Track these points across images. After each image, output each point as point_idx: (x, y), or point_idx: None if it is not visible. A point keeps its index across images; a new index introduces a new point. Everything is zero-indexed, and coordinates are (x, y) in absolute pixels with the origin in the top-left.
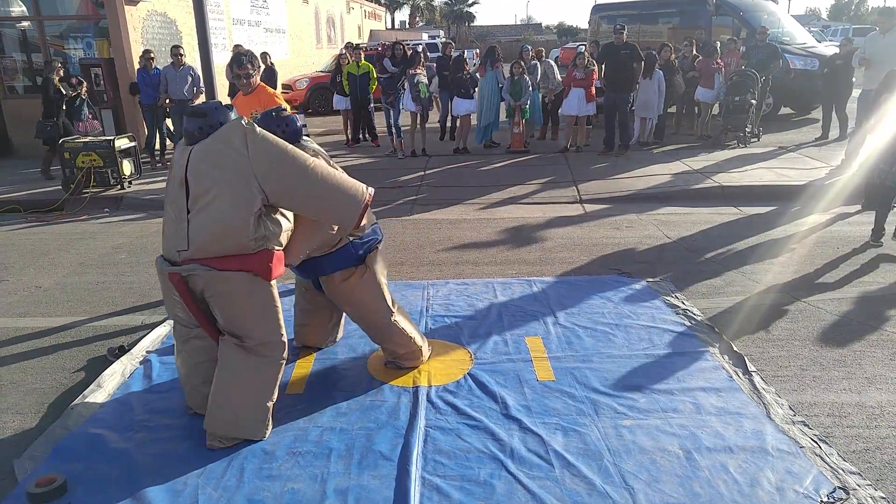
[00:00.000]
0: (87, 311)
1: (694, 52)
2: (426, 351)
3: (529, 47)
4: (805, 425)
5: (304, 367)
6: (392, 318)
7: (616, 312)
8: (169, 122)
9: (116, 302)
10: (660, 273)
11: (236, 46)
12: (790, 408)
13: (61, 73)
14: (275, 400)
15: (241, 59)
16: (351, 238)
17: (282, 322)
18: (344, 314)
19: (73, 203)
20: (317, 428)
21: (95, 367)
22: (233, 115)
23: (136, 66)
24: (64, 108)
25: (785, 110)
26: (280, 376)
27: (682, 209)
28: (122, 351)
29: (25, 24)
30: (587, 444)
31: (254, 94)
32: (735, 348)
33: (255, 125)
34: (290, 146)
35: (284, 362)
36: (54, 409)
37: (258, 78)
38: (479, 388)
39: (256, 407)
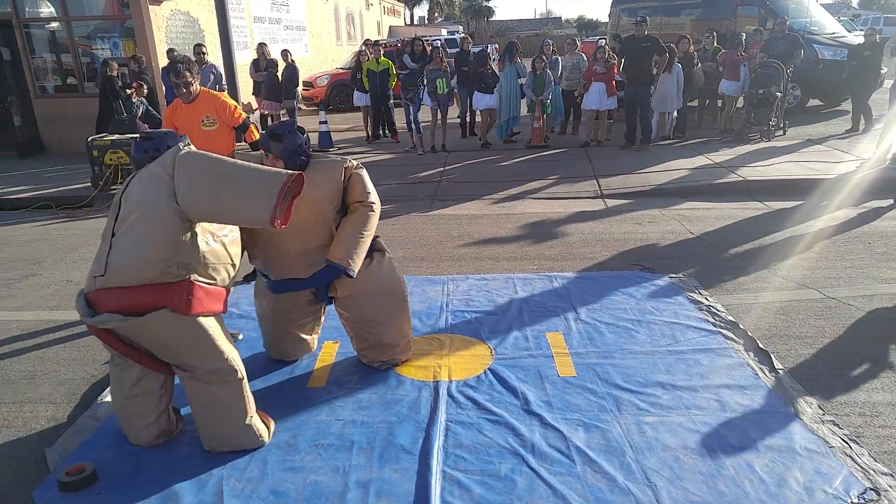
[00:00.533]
0: None
1: (715, 44)
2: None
3: (550, 41)
4: (835, 424)
5: (326, 360)
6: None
7: (638, 308)
8: None
9: None
10: (683, 269)
11: (260, 45)
12: (819, 406)
13: (115, 71)
14: (252, 412)
15: (177, 68)
16: None
17: (223, 346)
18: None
19: (102, 199)
20: (338, 421)
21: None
22: (183, 143)
23: (161, 65)
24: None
25: (813, 102)
26: (245, 390)
27: (706, 204)
28: None
29: (54, 25)
30: (609, 441)
31: (199, 102)
32: (761, 345)
33: (192, 147)
34: (216, 157)
35: (244, 378)
36: (85, 400)
37: (198, 84)
38: (500, 384)
39: (237, 426)
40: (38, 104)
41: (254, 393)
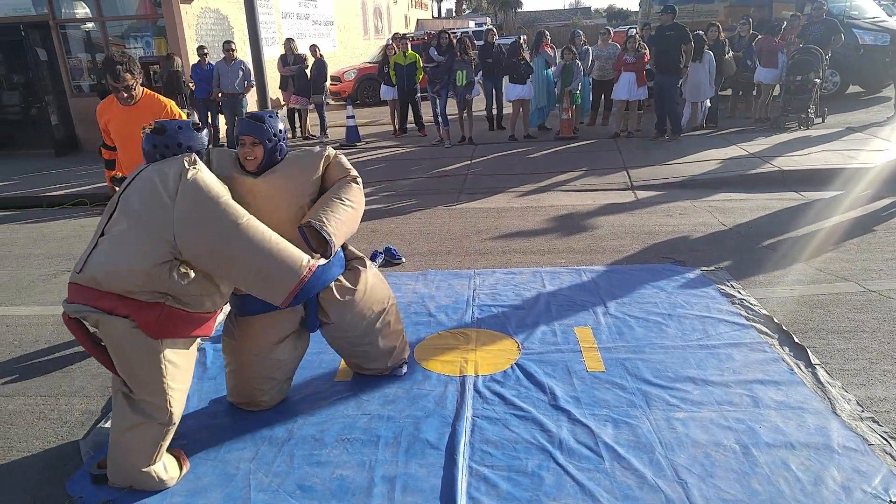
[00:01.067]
0: None
1: (751, 30)
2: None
3: (580, 32)
4: (874, 422)
5: None
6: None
7: (669, 302)
8: (222, 116)
9: None
10: (715, 261)
11: (288, 40)
12: (858, 403)
13: (180, 67)
14: (154, 465)
15: (115, 70)
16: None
17: (172, 385)
18: None
19: None
20: (365, 416)
21: None
22: (201, 138)
23: (192, 62)
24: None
25: (854, 89)
26: (161, 444)
27: (739, 195)
28: None
29: (89, 25)
30: (638, 437)
31: (141, 107)
32: (796, 340)
33: (199, 166)
34: (225, 199)
35: (169, 430)
36: None
37: (139, 87)
38: (527, 379)
39: (132, 466)
40: (74, 103)
41: None
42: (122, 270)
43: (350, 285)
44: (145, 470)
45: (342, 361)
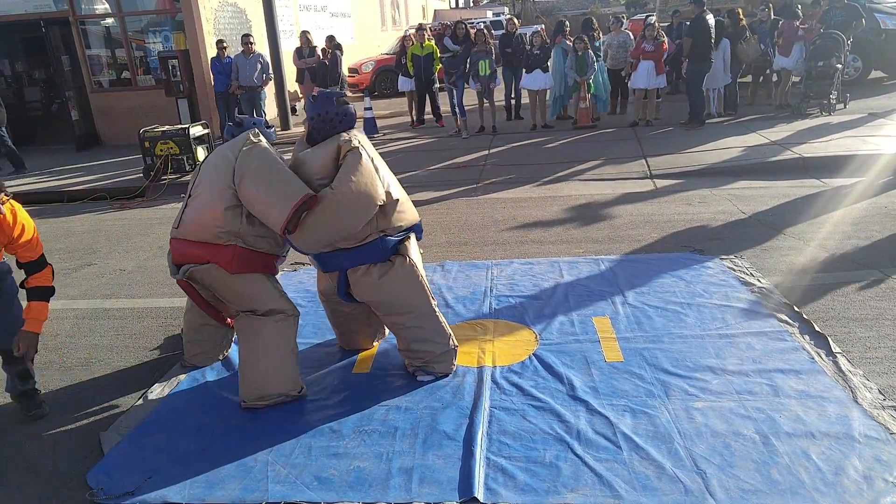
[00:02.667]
0: (165, 292)
1: (772, 16)
2: (456, 357)
3: (593, 21)
4: None
5: (371, 346)
6: (434, 312)
7: (688, 291)
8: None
9: None
10: (734, 250)
11: (304, 32)
12: (880, 392)
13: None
14: (296, 353)
15: None
16: (382, 233)
17: (278, 290)
18: None
19: (153, 189)
20: (382, 407)
21: (173, 346)
22: (253, 133)
23: (210, 56)
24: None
25: (876, 74)
26: (293, 329)
27: (759, 183)
28: None
29: (109, 20)
30: (657, 427)
31: None
32: (817, 328)
33: (261, 140)
34: (267, 158)
35: (297, 317)
36: (137, 387)
37: None
38: (545, 369)
39: (282, 363)
40: (94, 98)
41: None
42: (207, 217)
43: (375, 272)
44: (292, 359)
45: (360, 353)
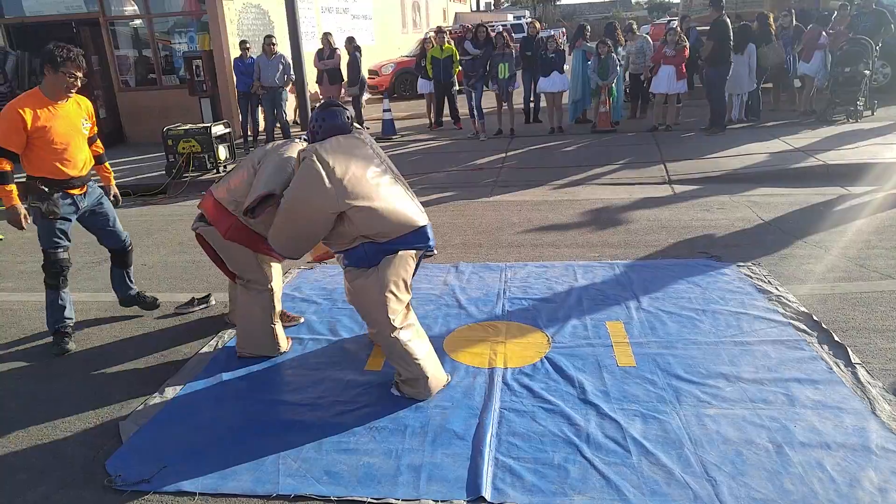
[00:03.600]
0: (186, 287)
1: (794, 21)
2: (436, 385)
3: (615, 24)
4: None
5: None
6: (392, 335)
7: (703, 298)
8: (261, 108)
9: (210, 280)
10: (752, 257)
11: (325, 34)
12: None
13: None
14: (276, 321)
15: (79, 60)
16: (365, 238)
17: (258, 265)
18: None
19: (175, 187)
20: (393, 405)
21: (193, 340)
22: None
23: (233, 56)
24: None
25: None
26: (273, 301)
27: (780, 190)
28: (192, 303)
29: (137, 22)
30: (667, 432)
31: (76, 101)
32: (836, 338)
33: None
34: (287, 159)
35: (271, 291)
36: (155, 379)
37: None
38: (557, 372)
39: (258, 328)
40: (121, 98)
41: (311, 375)
42: (231, 184)
43: (350, 275)
44: (271, 326)
45: (373, 352)
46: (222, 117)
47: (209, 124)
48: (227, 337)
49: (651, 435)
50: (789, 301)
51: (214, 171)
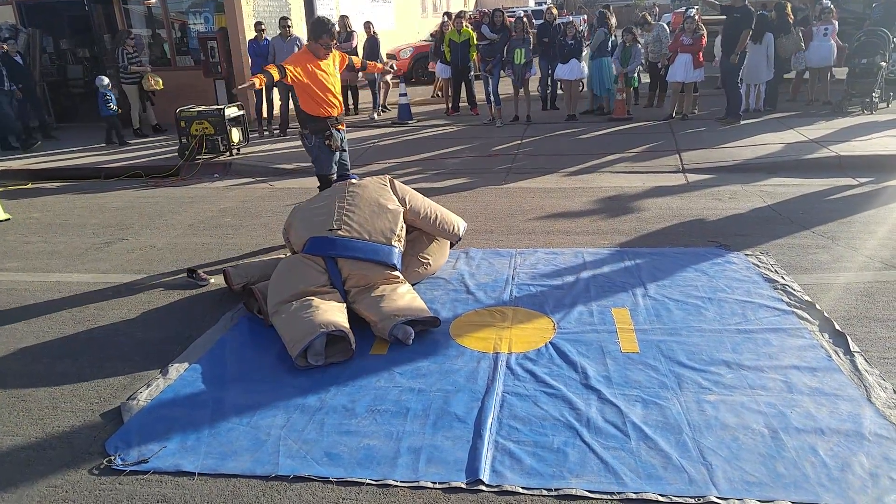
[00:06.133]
0: None
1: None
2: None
3: (641, 14)
4: None
5: None
6: (273, 316)
7: (710, 286)
8: (276, 91)
9: (221, 263)
10: (761, 246)
11: (342, 17)
12: (895, 391)
13: None
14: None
15: (332, 30)
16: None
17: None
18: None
19: (187, 169)
20: (396, 388)
21: (197, 321)
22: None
23: (248, 38)
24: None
25: None
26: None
27: (792, 180)
28: (191, 273)
29: (151, 0)
30: (667, 418)
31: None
32: (837, 327)
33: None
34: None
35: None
36: (159, 358)
37: None
38: (560, 357)
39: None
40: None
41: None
42: None
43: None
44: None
45: (377, 338)
46: (237, 100)
47: (222, 106)
48: (234, 319)
49: (651, 420)
50: (794, 290)
51: (227, 153)
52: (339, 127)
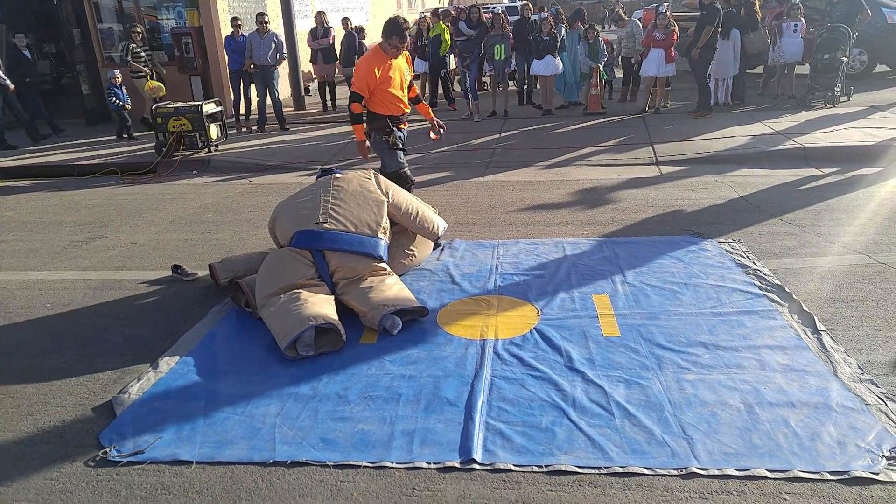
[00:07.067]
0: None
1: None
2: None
3: (607, 10)
4: (873, 383)
5: None
6: (262, 309)
7: (685, 272)
8: (254, 88)
9: (204, 258)
10: (733, 234)
11: (319, 13)
12: (859, 366)
13: None
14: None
15: (405, 35)
16: None
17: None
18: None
19: (165, 165)
20: (387, 375)
21: (185, 315)
22: None
23: (224, 34)
24: None
25: (881, 68)
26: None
27: (761, 171)
28: (176, 269)
29: None
30: (649, 397)
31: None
32: (805, 308)
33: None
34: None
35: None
36: (148, 353)
37: None
38: (545, 342)
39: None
40: (105, 73)
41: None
42: None
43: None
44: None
45: (365, 329)
46: (213, 96)
47: (200, 102)
48: (222, 312)
49: (634, 399)
50: (765, 274)
51: (206, 150)
52: (401, 126)
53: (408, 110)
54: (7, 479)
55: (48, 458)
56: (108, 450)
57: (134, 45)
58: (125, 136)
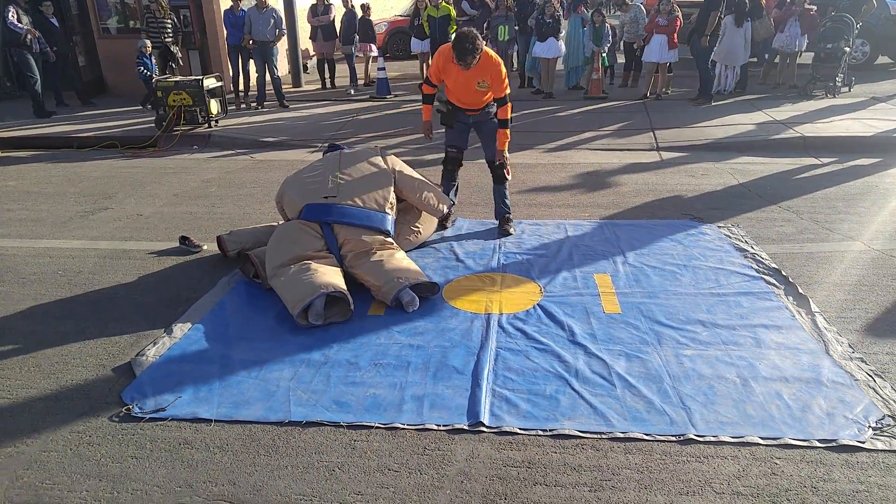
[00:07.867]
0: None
1: None
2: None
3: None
4: (862, 361)
5: None
6: (274, 273)
7: (685, 254)
8: (252, 64)
9: (210, 231)
10: (732, 219)
11: None
12: (849, 345)
13: None
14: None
15: (467, 60)
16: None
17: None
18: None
19: (165, 140)
20: (396, 344)
21: (194, 285)
22: None
23: (224, 8)
24: None
25: (883, 59)
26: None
27: (761, 159)
28: (184, 240)
29: None
30: (648, 369)
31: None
32: (801, 290)
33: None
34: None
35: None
36: (160, 320)
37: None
38: (548, 317)
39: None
40: (102, 45)
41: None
42: None
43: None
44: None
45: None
46: (211, 70)
47: (200, 77)
48: (231, 283)
49: (634, 371)
50: (762, 258)
51: (206, 125)
52: (468, 113)
53: (473, 108)
54: (35, 430)
55: (74, 413)
56: (130, 406)
57: (150, 18)
58: (149, 106)
